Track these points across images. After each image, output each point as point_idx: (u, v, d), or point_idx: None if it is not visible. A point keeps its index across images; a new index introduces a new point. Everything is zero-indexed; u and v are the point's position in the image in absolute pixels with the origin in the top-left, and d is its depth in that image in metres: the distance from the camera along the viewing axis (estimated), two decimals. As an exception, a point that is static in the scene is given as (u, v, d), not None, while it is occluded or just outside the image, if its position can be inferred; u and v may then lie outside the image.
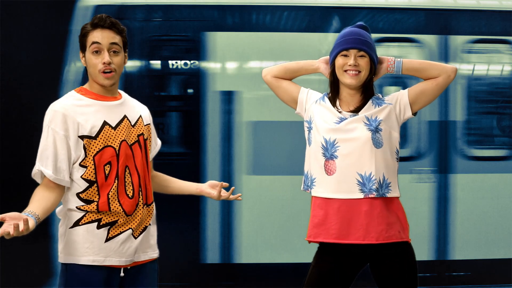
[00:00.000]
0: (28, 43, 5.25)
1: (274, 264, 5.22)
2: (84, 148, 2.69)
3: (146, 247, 2.90)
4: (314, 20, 5.42)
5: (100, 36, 2.71)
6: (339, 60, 3.03)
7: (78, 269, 2.73)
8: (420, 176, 5.37)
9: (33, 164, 2.75)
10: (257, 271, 5.33)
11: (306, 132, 3.14)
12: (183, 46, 5.46)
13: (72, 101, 2.74)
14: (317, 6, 5.41)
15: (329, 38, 5.35)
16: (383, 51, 5.47)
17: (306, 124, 3.15)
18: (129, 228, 2.78)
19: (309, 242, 3.10)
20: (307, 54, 5.42)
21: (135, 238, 2.81)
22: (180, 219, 5.33)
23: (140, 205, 2.81)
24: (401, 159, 5.42)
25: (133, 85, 5.31)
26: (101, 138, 2.72)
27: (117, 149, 2.74)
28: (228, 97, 5.30)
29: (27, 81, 5.26)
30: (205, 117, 5.30)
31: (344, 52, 3.01)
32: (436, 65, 3.06)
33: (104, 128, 2.73)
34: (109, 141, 2.73)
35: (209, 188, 3.22)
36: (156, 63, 5.51)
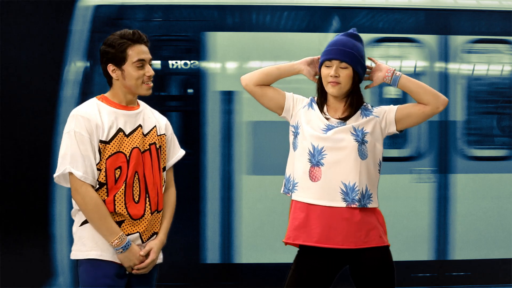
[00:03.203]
0: (28, 43, 5.25)
1: (274, 264, 5.22)
2: (99, 151, 2.86)
3: (153, 251, 3.01)
4: (314, 20, 5.42)
5: (143, 52, 2.93)
6: (323, 70, 3.06)
7: (88, 263, 2.87)
8: (420, 176, 5.37)
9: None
10: (257, 271, 5.33)
11: (291, 137, 3.15)
12: (183, 46, 5.46)
13: (94, 107, 2.91)
14: (317, 6, 5.41)
15: (329, 38, 5.34)
16: (383, 51, 5.50)
17: (291, 129, 3.16)
18: (137, 232, 2.92)
19: (286, 244, 3.12)
20: (307, 54, 5.41)
21: (143, 242, 2.95)
22: (180, 219, 5.33)
23: (147, 211, 2.93)
24: (401, 159, 5.48)
25: (133, 85, 5.31)
26: (114, 143, 2.88)
27: (128, 155, 2.89)
28: (228, 97, 5.30)
29: (27, 81, 5.26)
30: (205, 117, 5.30)
31: (327, 62, 3.03)
32: (430, 92, 3.03)
33: (118, 135, 2.89)
34: (121, 147, 2.89)
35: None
36: (156, 63, 5.51)
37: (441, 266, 5.46)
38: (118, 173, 2.87)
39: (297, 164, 3.06)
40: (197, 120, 5.31)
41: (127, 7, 5.30)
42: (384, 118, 3.07)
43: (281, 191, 3.16)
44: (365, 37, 5.42)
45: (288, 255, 5.33)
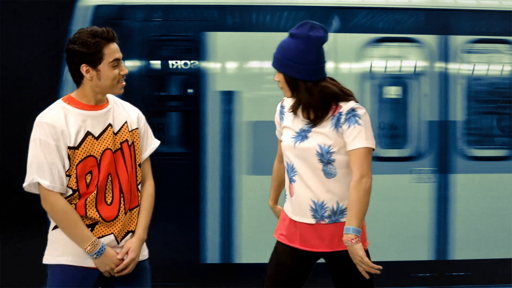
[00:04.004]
0: (28, 43, 5.25)
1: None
2: (69, 157, 2.77)
3: (136, 249, 2.91)
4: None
5: (117, 51, 2.83)
6: None
7: (58, 269, 2.83)
8: (420, 176, 5.37)
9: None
10: (257, 271, 5.32)
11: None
12: (183, 46, 5.46)
13: (59, 112, 2.80)
14: (317, 6, 5.41)
15: (329, 38, 5.34)
16: (383, 51, 5.50)
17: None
18: (111, 233, 2.84)
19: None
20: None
21: (118, 243, 2.87)
22: (180, 219, 5.33)
23: (121, 211, 2.86)
24: (401, 159, 5.48)
25: (133, 85, 5.31)
26: (83, 148, 2.79)
27: (98, 159, 2.81)
28: (228, 97, 5.30)
29: (27, 81, 5.26)
30: (205, 117, 5.30)
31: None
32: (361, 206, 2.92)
33: (87, 138, 2.80)
34: (92, 150, 2.80)
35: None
36: (156, 63, 5.51)
37: (441, 266, 5.46)
38: (89, 178, 2.79)
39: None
40: (197, 120, 5.31)
41: (127, 7, 5.30)
42: (345, 137, 2.96)
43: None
44: (365, 37, 5.47)
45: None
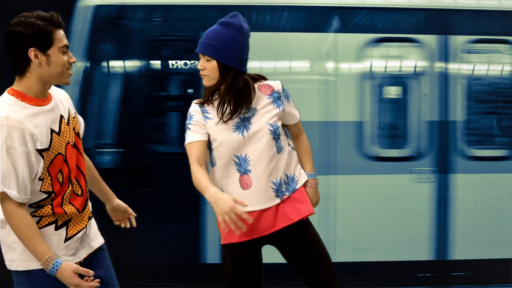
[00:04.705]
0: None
1: (274, 264, 5.21)
2: (41, 160, 2.60)
3: (94, 235, 2.91)
4: (314, 20, 5.42)
5: (64, 36, 2.67)
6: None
7: (43, 272, 2.63)
8: (420, 176, 5.37)
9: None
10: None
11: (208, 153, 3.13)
12: (183, 46, 5.45)
13: (22, 111, 2.57)
14: (317, 6, 5.41)
15: (329, 38, 5.35)
16: (383, 51, 5.50)
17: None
18: (85, 226, 2.79)
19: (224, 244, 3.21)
20: (307, 54, 5.42)
21: (86, 232, 2.82)
22: (180, 219, 5.33)
23: (88, 200, 2.83)
24: (401, 159, 5.48)
25: (133, 85, 5.30)
26: (52, 148, 2.64)
27: (64, 154, 2.69)
28: (228, 97, 5.29)
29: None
30: (205, 117, 5.29)
31: (200, 55, 3.04)
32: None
33: (53, 136, 2.64)
34: (58, 148, 2.67)
35: (114, 212, 3.17)
36: (156, 63, 5.51)
37: (441, 266, 5.46)
38: (61, 177, 2.66)
39: (222, 177, 3.08)
40: (197, 120, 5.30)
41: (127, 7, 5.29)
42: (285, 107, 3.12)
43: None
44: (365, 37, 5.47)
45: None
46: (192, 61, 5.39)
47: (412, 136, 5.45)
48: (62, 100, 2.80)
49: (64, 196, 2.70)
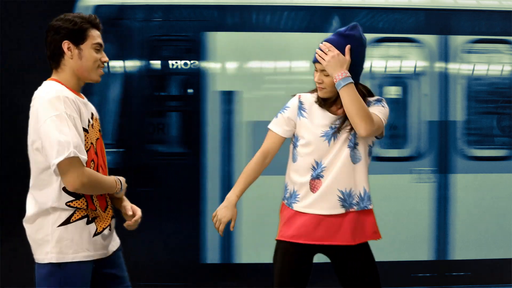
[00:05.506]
0: (28, 43, 5.24)
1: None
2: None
3: (115, 236, 2.98)
4: (314, 20, 5.42)
5: (99, 36, 2.80)
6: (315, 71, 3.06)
7: (75, 266, 2.72)
8: (420, 176, 5.37)
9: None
10: (257, 271, 5.32)
11: (291, 146, 3.16)
12: (183, 46, 5.46)
13: (69, 92, 2.70)
14: (317, 6, 5.41)
15: (329, 38, 5.34)
16: (383, 51, 5.50)
17: (292, 139, 3.16)
18: (109, 224, 2.84)
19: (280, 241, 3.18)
20: (307, 54, 5.42)
21: (110, 230, 2.88)
22: (180, 219, 5.33)
23: (109, 199, 2.87)
24: (401, 159, 5.48)
25: (133, 85, 5.31)
26: (90, 134, 2.74)
27: (95, 148, 2.77)
28: (228, 97, 5.30)
29: (27, 81, 5.25)
30: (205, 117, 5.30)
31: (315, 64, 3.05)
32: (358, 118, 2.91)
33: (89, 124, 2.75)
34: (92, 138, 2.76)
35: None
36: (156, 63, 5.51)
37: (441, 266, 5.46)
38: (93, 166, 2.72)
39: (298, 175, 3.09)
40: (197, 120, 5.31)
41: (127, 7, 5.30)
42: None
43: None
44: (365, 37, 5.46)
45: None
46: (192, 61, 5.39)
47: (412, 136, 5.46)
48: (90, 104, 2.90)
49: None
